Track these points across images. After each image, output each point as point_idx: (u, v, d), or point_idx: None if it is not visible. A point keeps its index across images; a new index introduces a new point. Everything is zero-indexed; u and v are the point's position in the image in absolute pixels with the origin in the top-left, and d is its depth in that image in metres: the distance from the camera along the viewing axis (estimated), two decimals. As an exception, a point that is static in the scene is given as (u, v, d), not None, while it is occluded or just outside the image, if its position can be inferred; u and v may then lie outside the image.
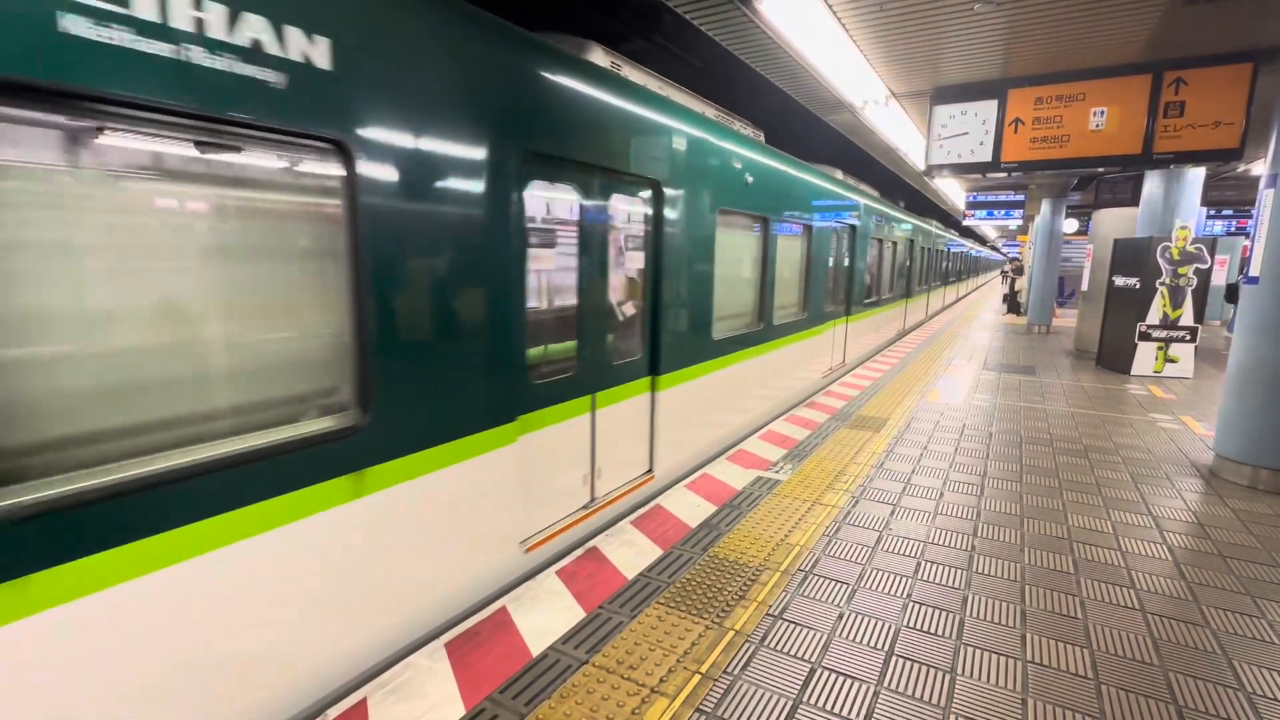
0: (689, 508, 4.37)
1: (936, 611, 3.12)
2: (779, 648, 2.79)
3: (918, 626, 2.98)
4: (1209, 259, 9.25)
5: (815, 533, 3.96)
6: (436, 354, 2.89)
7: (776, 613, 3.06)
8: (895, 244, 13.10)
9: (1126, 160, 6.02)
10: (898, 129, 8.88)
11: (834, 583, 3.37)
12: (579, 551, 3.72)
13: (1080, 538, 4.00)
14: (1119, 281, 10.18)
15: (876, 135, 9.38)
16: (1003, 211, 16.50)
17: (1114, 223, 11.48)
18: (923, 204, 21.74)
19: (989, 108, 6.53)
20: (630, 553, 3.70)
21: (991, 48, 5.71)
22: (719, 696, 2.47)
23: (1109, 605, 3.22)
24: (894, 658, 2.74)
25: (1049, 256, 15.69)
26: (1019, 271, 21.58)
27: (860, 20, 5.16)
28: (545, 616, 3.05)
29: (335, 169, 2.43)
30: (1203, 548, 3.92)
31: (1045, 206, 15.71)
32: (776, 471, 5.05)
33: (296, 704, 2.42)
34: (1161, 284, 9.41)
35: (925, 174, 7.27)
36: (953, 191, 17.12)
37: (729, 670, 2.63)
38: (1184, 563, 3.71)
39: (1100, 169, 6.61)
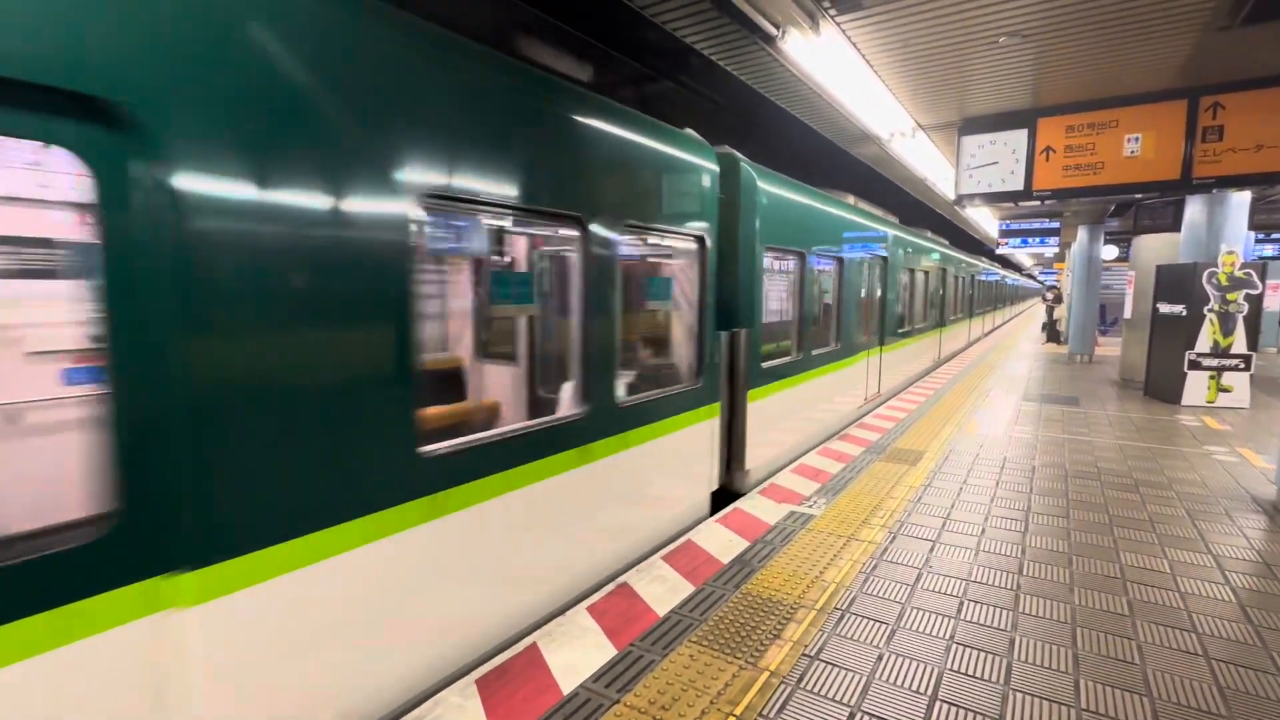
0: (720, 543, 4.31)
1: (982, 654, 2.99)
2: (816, 690, 2.70)
3: (962, 670, 2.86)
4: (1260, 284, 8.92)
5: (852, 570, 3.85)
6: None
7: (813, 653, 2.97)
8: (961, 279, 17.41)
9: (1165, 186, 5.92)
10: (925, 160, 8.88)
11: (872, 622, 3.26)
12: (610, 587, 3.68)
13: (1134, 577, 3.81)
14: (1164, 309, 9.86)
15: (904, 166, 9.39)
16: (1037, 239, 16.23)
17: (1155, 249, 11.18)
18: (954, 233, 21.50)
19: (1019, 137, 6.51)
20: (661, 589, 3.65)
21: (1019, 78, 5.72)
22: (754, 740, 2.40)
23: (1169, 650, 3.04)
24: (938, 703, 2.63)
25: (1088, 284, 15.30)
26: (1058, 299, 21.02)
27: (885, 55, 5.24)
28: (576, 653, 3.01)
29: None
30: (1269, 589, 3.69)
31: (1082, 233, 15.40)
32: (810, 506, 4.95)
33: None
34: (1210, 310, 9.08)
35: (955, 203, 7.24)
36: (984, 220, 16.94)
37: (764, 713, 2.55)
38: (1249, 605, 3.49)
39: (1138, 195, 6.50)
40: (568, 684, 2.76)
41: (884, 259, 9.06)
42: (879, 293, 9.12)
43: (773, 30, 4.47)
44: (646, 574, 3.83)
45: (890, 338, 9.72)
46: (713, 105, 8.76)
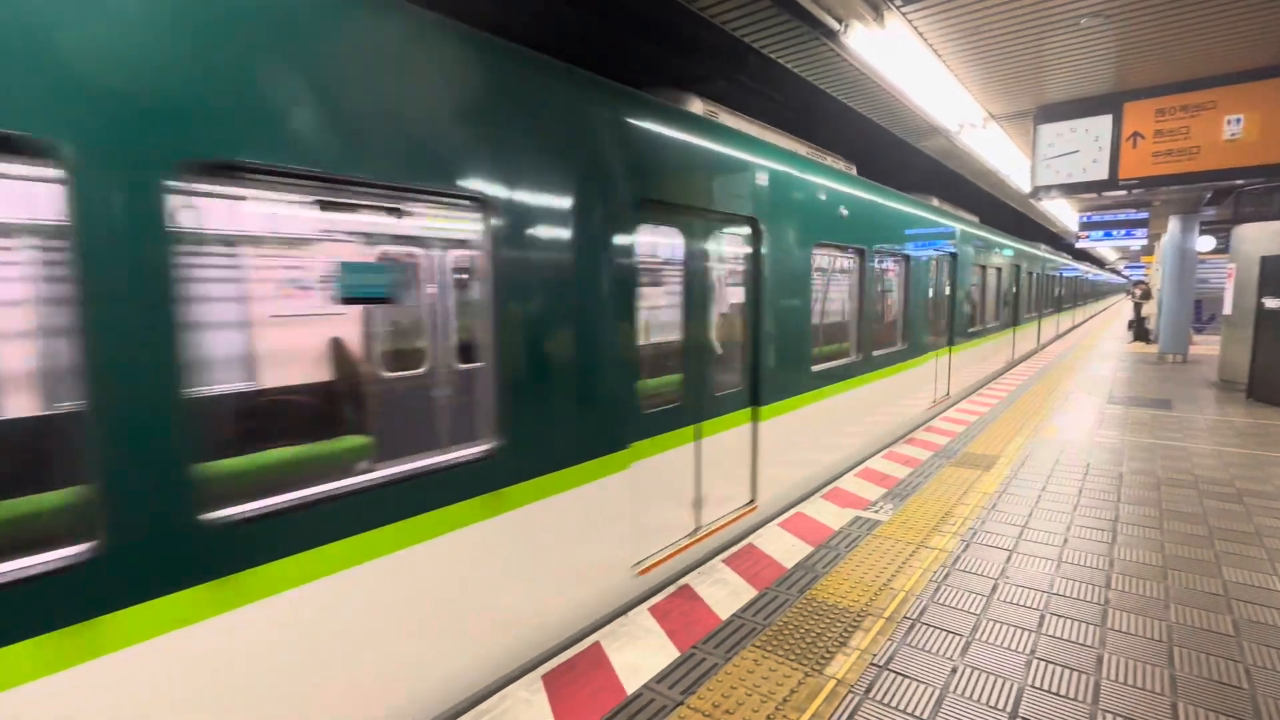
0: (783, 547, 4.24)
1: (1067, 671, 2.82)
2: (886, 701, 2.62)
3: (1045, 687, 2.71)
4: (1386, 275, 8.05)
5: (922, 578, 3.72)
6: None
7: (881, 663, 2.89)
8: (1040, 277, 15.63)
9: (1273, 170, 5.44)
10: (998, 151, 8.49)
11: (945, 633, 3.14)
12: (671, 589, 3.69)
13: (1240, 595, 3.51)
14: (1271, 304, 9.05)
15: (974, 159, 9.00)
16: (1122, 231, 15.19)
17: (1259, 239, 10.27)
18: (1029, 227, 20.39)
19: (1102, 123, 6.13)
20: (723, 592, 3.62)
21: (1102, 61, 5.39)
22: (822, 749, 2.35)
23: (1282, 675, 2.79)
24: (1018, 720, 2.50)
25: (1181, 278, 14.20)
26: (1146, 295, 19.59)
27: (953, 44, 5.04)
28: (639, 654, 3.03)
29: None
30: (1403, 613, 3.33)
31: (1174, 224, 14.31)
32: (876, 511, 4.81)
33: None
34: (1325, 305, 8.27)
35: (1031, 196, 6.88)
36: (1063, 213, 16.03)
37: (832, 722, 2.50)
38: (1379, 630, 3.16)
39: (1239, 181, 6.00)
40: (631, 684, 2.78)
41: (754, 231, 4.55)
42: (761, 302, 4.63)
43: (835, 24, 4.37)
44: (708, 576, 3.82)
45: (816, 379, 5.44)
46: (770, 103, 8.64)
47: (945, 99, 6.15)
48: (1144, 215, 14.33)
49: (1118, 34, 4.85)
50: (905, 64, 5.19)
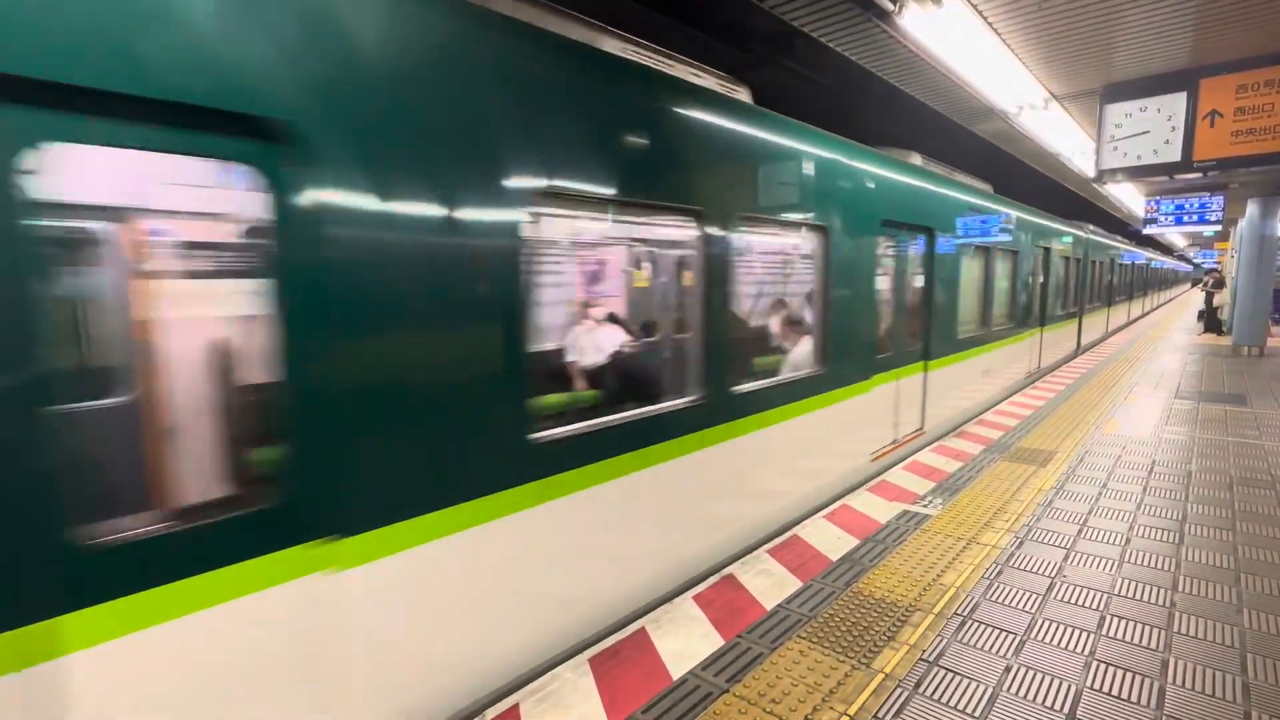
0: (828, 539, 4.19)
1: (1129, 675, 2.72)
2: (936, 697, 2.58)
3: (1105, 690, 2.62)
4: None
5: (973, 574, 3.63)
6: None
7: (931, 658, 2.84)
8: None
9: (1368, 149, 5.05)
10: (1059, 133, 8.11)
11: (998, 631, 3.06)
12: (714, 578, 3.70)
13: (1322, 602, 3.31)
14: (1362, 293, 8.42)
15: (1032, 142, 8.62)
16: (1194, 216, 14.31)
17: (1351, 223, 9.55)
18: (1090, 212, 19.38)
19: (1175, 101, 5.78)
20: (767, 582, 3.61)
21: (1177, 35, 5.08)
22: (870, 743, 2.33)
23: (1369, 688, 2.63)
24: (1076, 723, 2.43)
25: (1260, 265, 13.31)
26: (1219, 284, 18.43)
27: (1014, 22, 4.83)
28: (683, 641, 3.05)
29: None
30: None
31: (1252, 208, 13.41)
32: (924, 505, 4.71)
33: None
34: None
35: (1095, 180, 6.56)
36: (1128, 197, 15.22)
37: (879, 715, 2.47)
38: None
39: (1330, 161, 5.58)
40: (677, 670, 2.81)
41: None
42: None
43: (889, 5, 4.24)
44: (752, 567, 3.81)
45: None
46: (816, 88, 8.44)
47: (1004, 79, 5.90)
48: (1218, 199, 13.49)
49: (1196, 5, 4.55)
50: (962, 43, 5.00)
